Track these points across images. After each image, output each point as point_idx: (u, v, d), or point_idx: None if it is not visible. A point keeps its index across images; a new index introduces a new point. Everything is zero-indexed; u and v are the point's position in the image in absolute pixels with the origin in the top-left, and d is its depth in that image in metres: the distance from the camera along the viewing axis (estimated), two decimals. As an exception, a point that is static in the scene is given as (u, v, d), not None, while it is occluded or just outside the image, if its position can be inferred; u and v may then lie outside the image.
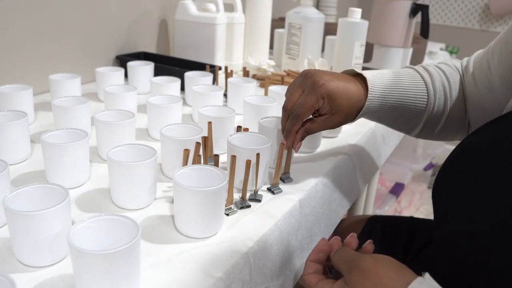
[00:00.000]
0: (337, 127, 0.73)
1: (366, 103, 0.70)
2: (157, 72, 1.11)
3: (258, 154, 0.63)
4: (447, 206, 0.53)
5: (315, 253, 0.55)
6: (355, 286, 0.45)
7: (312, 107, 0.67)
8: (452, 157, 0.56)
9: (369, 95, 0.69)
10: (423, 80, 0.72)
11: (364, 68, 1.26)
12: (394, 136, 1.21)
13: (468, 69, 0.73)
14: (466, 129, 0.76)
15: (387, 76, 0.72)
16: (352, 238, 0.55)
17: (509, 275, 0.43)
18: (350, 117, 0.71)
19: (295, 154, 0.78)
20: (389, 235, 0.93)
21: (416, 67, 0.75)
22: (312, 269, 0.54)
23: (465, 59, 0.76)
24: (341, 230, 1.13)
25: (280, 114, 0.72)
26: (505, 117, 0.55)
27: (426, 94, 0.71)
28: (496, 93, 0.65)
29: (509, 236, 0.43)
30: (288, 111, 0.69)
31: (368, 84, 0.70)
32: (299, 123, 0.68)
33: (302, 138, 0.71)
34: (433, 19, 2.95)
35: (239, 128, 0.73)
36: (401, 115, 0.73)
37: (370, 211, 1.47)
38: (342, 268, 0.49)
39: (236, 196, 0.65)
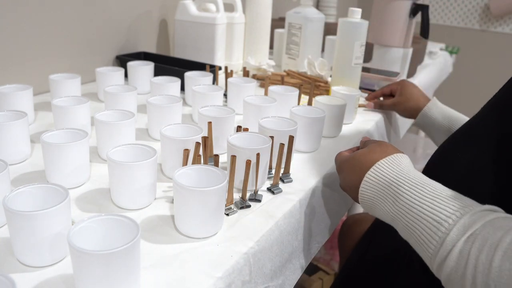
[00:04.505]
0: (404, 112, 1.06)
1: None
2: (157, 72, 1.11)
3: (258, 154, 0.63)
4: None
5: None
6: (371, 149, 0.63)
7: (389, 87, 1.10)
8: (448, 139, 0.73)
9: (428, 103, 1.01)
10: None
11: (364, 68, 1.26)
12: (393, 137, 1.21)
13: None
14: None
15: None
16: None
17: None
18: (417, 106, 1.01)
19: (295, 154, 0.78)
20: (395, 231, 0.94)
21: None
22: None
23: None
24: (347, 227, 1.14)
25: (279, 114, 0.73)
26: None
27: None
28: None
29: None
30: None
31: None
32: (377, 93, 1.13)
33: (377, 103, 1.12)
34: (433, 19, 2.95)
35: (239, 128, 0.73)
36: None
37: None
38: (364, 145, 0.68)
39: (236, 196, 0.65)
